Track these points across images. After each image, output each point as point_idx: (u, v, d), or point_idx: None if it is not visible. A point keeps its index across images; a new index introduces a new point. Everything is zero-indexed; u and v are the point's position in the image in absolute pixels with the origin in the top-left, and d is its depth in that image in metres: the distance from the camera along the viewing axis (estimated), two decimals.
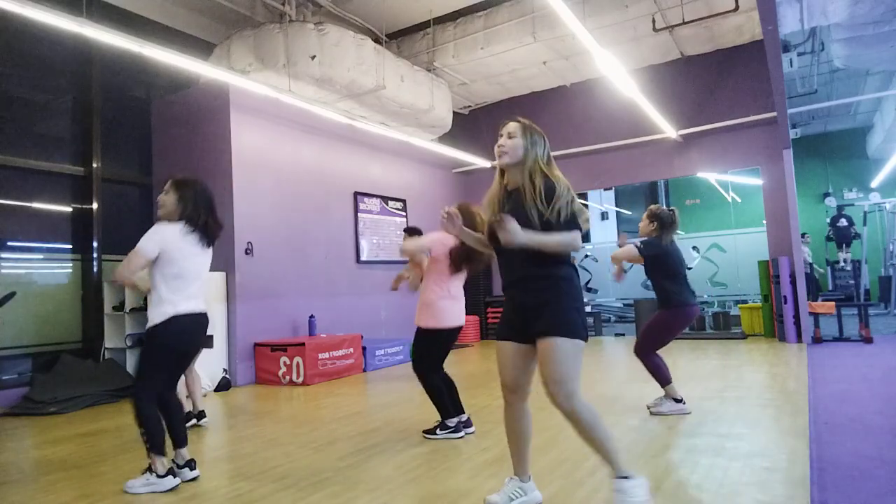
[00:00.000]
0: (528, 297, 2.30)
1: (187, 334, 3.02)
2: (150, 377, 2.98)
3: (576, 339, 2.22)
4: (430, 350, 3.73)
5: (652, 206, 4.26)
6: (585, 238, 16.26)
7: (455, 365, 6.11)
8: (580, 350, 2.24)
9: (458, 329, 3.80)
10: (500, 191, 2.41)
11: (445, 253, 3.69)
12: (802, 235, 11.86)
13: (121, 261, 3.05)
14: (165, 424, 3.04)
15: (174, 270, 2.96)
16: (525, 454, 2.42)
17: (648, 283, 4.31)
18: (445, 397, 3.73)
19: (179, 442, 3.08)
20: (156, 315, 2.94)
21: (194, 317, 3.03)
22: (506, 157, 2.33)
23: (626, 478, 2.21)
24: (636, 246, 4.11)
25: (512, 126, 2.37)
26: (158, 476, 2.92)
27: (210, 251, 3.17)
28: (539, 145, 2.34)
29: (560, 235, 2.24)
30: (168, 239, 2.96)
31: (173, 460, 3.04)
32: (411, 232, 4.45)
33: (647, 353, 4.10)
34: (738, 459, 2.95)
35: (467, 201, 3.81)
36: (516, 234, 2.17)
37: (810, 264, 11.64)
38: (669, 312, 4.06)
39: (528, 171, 2.31)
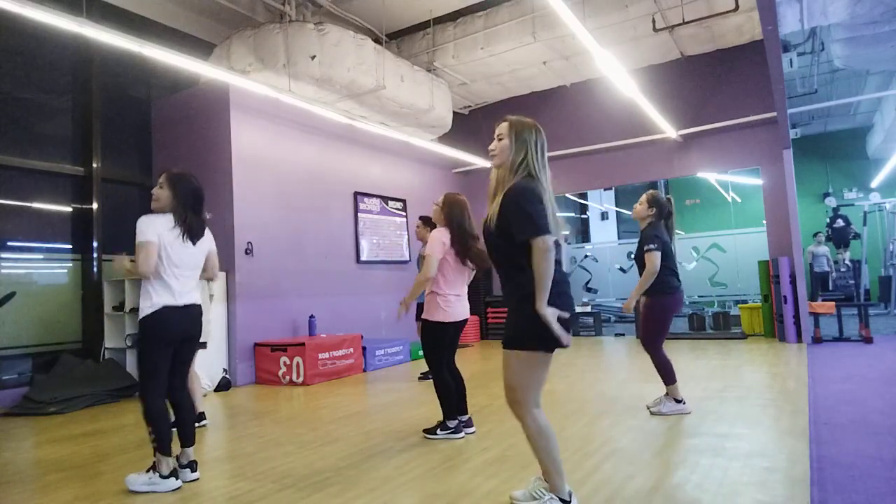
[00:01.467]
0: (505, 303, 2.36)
1: (178, 324, 3.00)
2: (151, 372, 2.96)
3: (524, 351, 2.23)
4: (436, 343, 3.75)
5: (652, 191, 4.21)
6: (585, 238, 16.12)
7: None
8: (534, 361, 2.24)
9: (464, 323, 3.85)
10: (494, 189, 2.39)
11: (451, 252, 3.73)
12: (815, 235, 11.88)
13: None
14: (175, 422, 3.04)
15: (163, 262, 2.95)
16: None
17: None
18: (453, 396, 3.74)
19: (186, 441, 3.08)
20: (146, 306, 2.94)
21: (185, 308, 3.02)
22: (495, 160, 2.33)
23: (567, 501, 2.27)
24: (652, 249, 4.04)
25: (501, 127, 2.34)
26: (162, 476, 2.91)
27: (198, 245, 3.14)
28: (529, 143, 2.29)
29: (535, 267, 2.16)
30: (160, 229, 2.96)
31: (177, 457, 3.04)
32: (426, 221, 4.82)
33: (656, 345, 4.08)
34: (738, 459, 2.95)
35: (454, 192, 3.88)
36: (543, 312, 2.15)
37: (833, 262, 11.67)
38: (664, 299, 4.06)
39: (506, 173, 2.32)
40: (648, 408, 4.11)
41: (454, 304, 3.73)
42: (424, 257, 3.75)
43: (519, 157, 2.28)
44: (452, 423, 3.71)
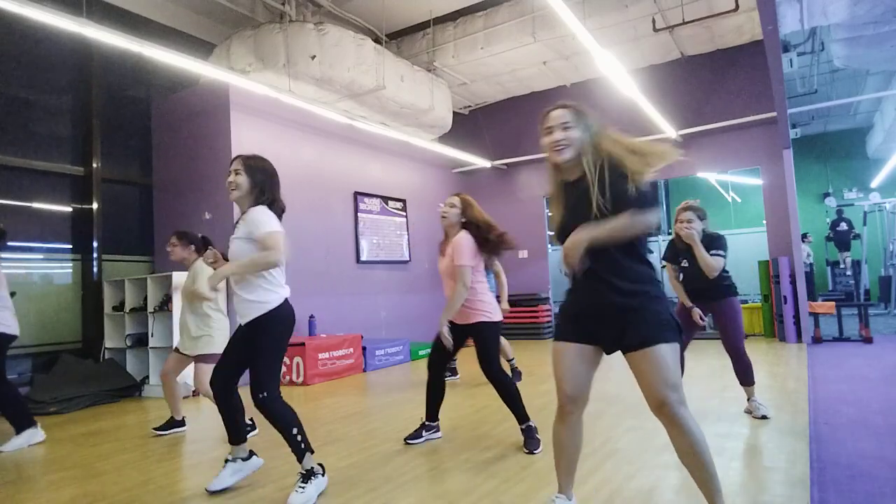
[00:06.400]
0: (616, 297, 2.04)
1: (293, 317, 2.91)
2: (276, 372, 2.79)
3: (674, 344, 2.01)
4: (497, 344, 3.56)
5: (692, 203, 3.94)
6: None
7: (458, 365, 6.11)
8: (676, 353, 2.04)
9: None
10: (560, 185, 2.15)
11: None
12: (804, 236, 11.88)
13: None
14: (232, 417, 2.94)
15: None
16: (575, 469, 2.22)
17: None
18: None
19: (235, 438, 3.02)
20: (272, 298, 2.82)
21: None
22: (567, 152, 2.07)
23: None
24: (721, 255, 3.90)
25: (565, 115, 2.10)
26: (322, 475, 2.79)
27: None
28: (593, 123, 2.12)
29: (623, 217, 1.94)
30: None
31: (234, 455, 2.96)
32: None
33: (744, 347, 3.92)
34: (738, 459, 2.95)
35: (464, 194, 3.68)
36: (577, 243, 1.96)
37: (810, 264, 11.66)
38: (736, 299, 4.02)
39: (588, 155, 2.06)
40: (750, 413, 3.87)
41: (494, 302, 3.59)
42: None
43: (596, 132, 2.10)
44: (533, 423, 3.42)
